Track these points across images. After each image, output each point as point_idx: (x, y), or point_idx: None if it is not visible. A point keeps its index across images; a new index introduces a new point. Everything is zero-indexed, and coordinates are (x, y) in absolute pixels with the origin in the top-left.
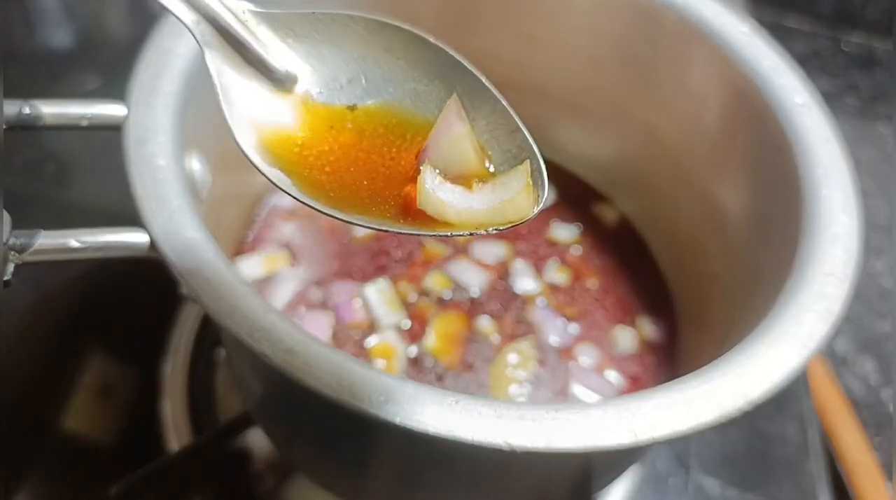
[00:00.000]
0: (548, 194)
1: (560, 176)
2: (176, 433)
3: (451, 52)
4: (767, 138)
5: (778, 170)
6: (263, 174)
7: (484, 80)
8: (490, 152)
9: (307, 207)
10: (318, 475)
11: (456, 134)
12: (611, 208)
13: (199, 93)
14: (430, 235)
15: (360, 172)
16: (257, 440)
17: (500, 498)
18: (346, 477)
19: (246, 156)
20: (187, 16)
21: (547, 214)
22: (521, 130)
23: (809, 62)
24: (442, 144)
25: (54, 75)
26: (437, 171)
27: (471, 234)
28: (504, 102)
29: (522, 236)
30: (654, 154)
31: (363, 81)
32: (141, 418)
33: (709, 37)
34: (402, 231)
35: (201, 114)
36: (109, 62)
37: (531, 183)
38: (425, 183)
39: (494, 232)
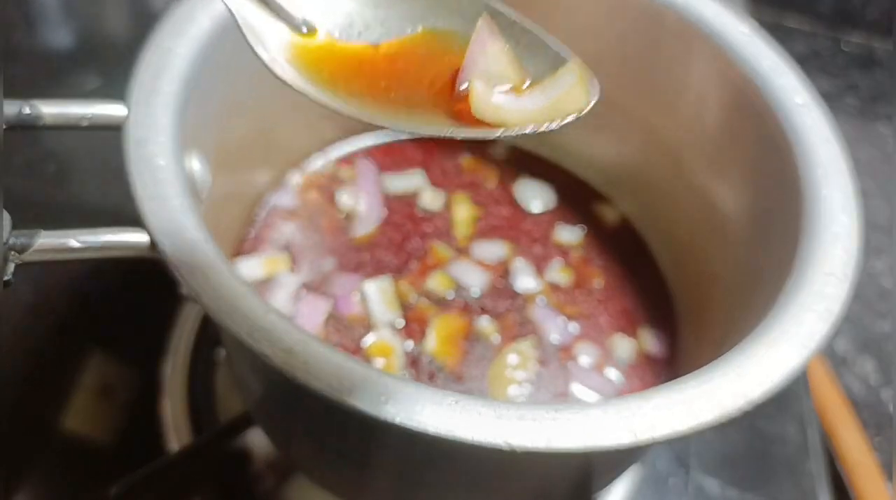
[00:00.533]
0: (548, 195)
1: (560, 176)
2: (176, 433)
3: None
4: (767, 138)
5: (778, 170)
6: (302, 91)
7: (510, 13)
8: (526, 68)
9: (307, 208)
10: (317, 475)
11: (492, 51)
12: (611, 208)
13: (200, 93)
14: (492, 138)
15: (400, 95)
16: (257, 440)
17: (500, 498)
18: (346, 477)
19: (284, 81)
20: None
21: (547, 215)
22: (552, 48)
23: (809, 62)
24: (479, 62)
25: (54, 75)
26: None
27: (532, 132)
28: (532, 27)
29: (523, 236)
30: (654, 154)
31: (380, 26)
32: (141, 418)
33: (709, 37)
34: (463, 135)
35: (201, 114)
36: (109, 62)
37: (583, 76)
38: (477, 89)
39: (556, 126)
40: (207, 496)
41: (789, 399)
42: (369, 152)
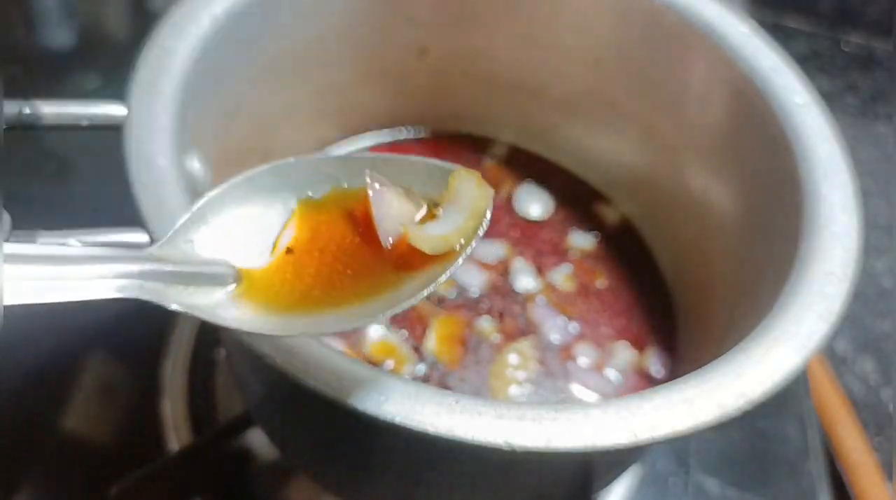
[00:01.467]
0: (548, 196)
1: (560, 176)
2: (176, 433)
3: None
4: (767, 138)
5: (778, 170)
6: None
7: (378, 156)
8: (416, 194)
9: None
10: (317, 475)
11: (390, 197)
12: (611, 208)
13: (199, 93)
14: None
15: (344, 280)
16: (257, 440)
17: (500, 498)
18: (346, 477)
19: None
20: (115, 288)
21: (547, 215)
22: (435, 164)
23: (809, 62)
24: (387, 212)
25: (54, 75)
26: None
27: (471, 250)
28: (401, 157)
29: (523, 236)
30: (654, 154)
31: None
32: (141, 418)
33: (709, 37)
34: (433, 288)
35: (201, 114)
36: (109, 62)
37: (475, 174)
38: (411, 233)
39: (484, 229)
40: (207, 496)
41: (789, 399)
42: (369, 152)
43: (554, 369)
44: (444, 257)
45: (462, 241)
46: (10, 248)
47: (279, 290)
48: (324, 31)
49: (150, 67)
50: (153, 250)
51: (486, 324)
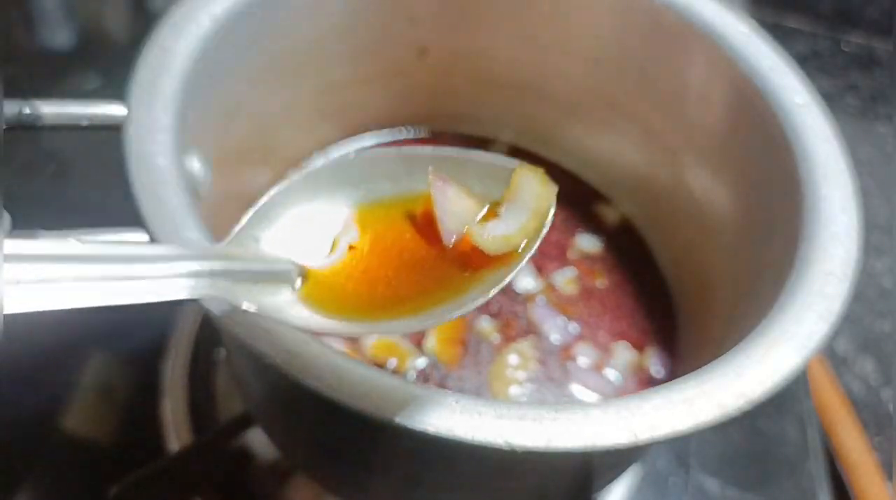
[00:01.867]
0: None
1: (560, 176)
2: (176, 432)
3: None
4: (767, 138)
5: (778, 170)
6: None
7: (441, 152)
8: (477, 193)
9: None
10: (318, 475)
11: (453, 195)
12: (611, 208)
13: (199, 93)
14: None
15: (406, 273)
16: (257, 440)
17: (500, 498)
18: (346, 477)
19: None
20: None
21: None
22: (496, 162)
23: (809, 62)
24: (450, 210)
25: (54, 75)
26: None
27: (535, 248)
28: (463, 153)
29: None
30: (654, 154)
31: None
32: (141, 418)
33: (709, 37)
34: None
35: (201, 114)
36: (109, 62)
37: (537, 171)
38: (474, 233)
39: (548, 226)
40: (207, 496)
41: (789, 399)
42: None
43: (554, 369)
44: (507, 257)
45: (525, 241)
46: (77, 248)
47: (343, 289)
48: (324, 31)
49: (150, 67)
50: (221, 247)
51: (486, 324)
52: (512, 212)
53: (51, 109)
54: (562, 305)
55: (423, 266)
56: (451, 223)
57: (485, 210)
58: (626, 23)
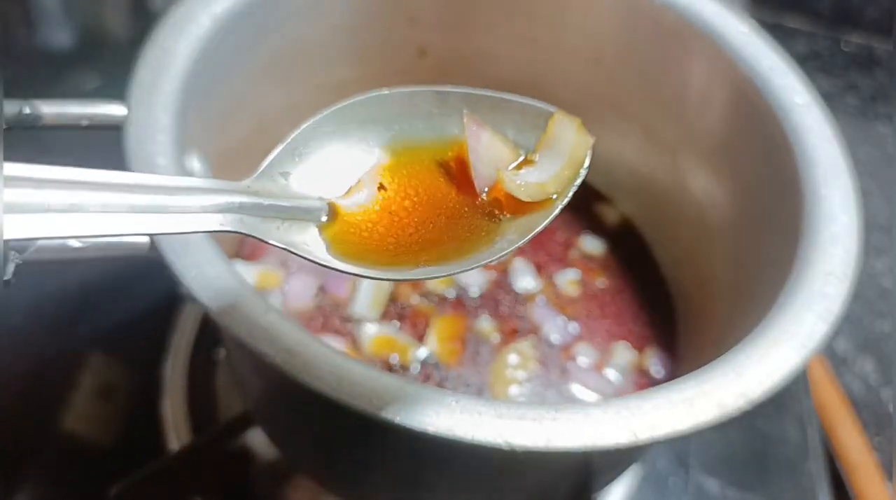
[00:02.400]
0: None
1: None
2: (176, 432)
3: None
4: (767, 138)
5: (778, 170)
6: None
7: (476, 91)
8: (513, 139)
9: None
10: (318, 475)
11: (486, 139)
12: (611, 208)
13: (199, 93)
14: (547, 222)
15: (434, 219)
16: (257, 440)
17: (500, 498)
18: (346, 477)
19: (347, 272)
20: (219, 222)
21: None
22: (535, 105)
23: (809, 62)
24: (483, 155)
25: (54, 75)
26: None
27: (571, 196)
28: (501, 95)
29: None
30: (654, 154)
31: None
32: (141, 418)
33: (709, 37)
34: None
35: (201, 114)
36: (109, 62)
37: (574, 119)
38: (506, 178)
39: (584, 175)
40: (207, 496)
41: (789, 399)
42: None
43: (554, 369)
44: (540, 204)
45: (558, 190)
46: (110, 176)
47: (371, 231)
48: (324, 31)
49: (150, 67)
50: (249, 182)
51: (486, 324)
52: (547, 159)
53: (51, 109)
54: (562, 305)
55: (454, 212)
56: (484, 169)
57: (520, 159)
58: (626, 23)
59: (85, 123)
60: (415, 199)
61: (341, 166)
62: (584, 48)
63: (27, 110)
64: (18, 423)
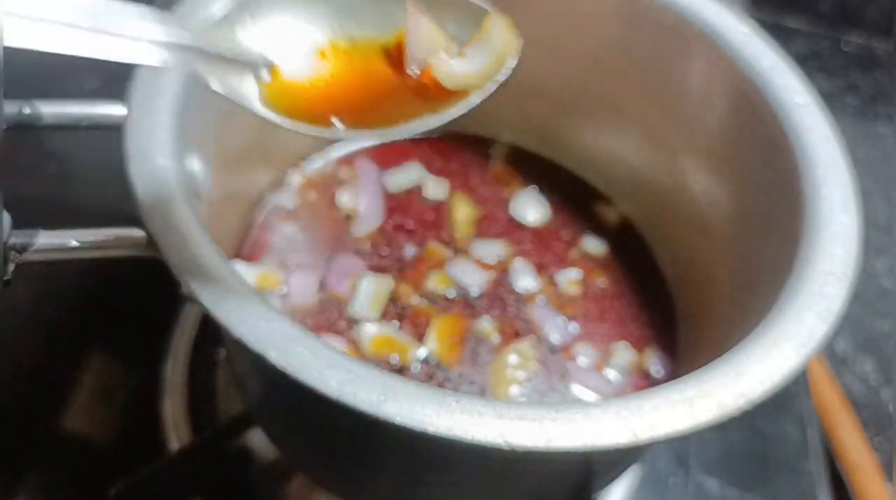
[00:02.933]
0: (548, 196)
1: (560, 176)
2: (176, 432)
3: None
4: (767, 138)
5: (778, 170)
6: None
7: None
8: (449, 31)
9: (307, 208)
10: (318, 475)
11: (426, 27)
12: (611, 208)
13: (199, 93)
14: (466, 109)
15: (366, 102)
16: (257, 440)
17: (500, 498)
18: (346, 477)
19: (274, 121)
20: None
21: (547, 215)
22: (472, 2)
23: (809, 62)
24: (421, 40)
25: (54, 75)
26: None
27: (489, 91)
28: None
29: (523, 235)
30: (654, 154)
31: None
32: (141, 418)
33: (709, 37)
34: (445, 119)
35: (201, 114)
36: (109, 62)
37: (507, 21)
38: (437, 63)
39: (504, 76)
40: (207, 496)
41: (789, 399)
42: (369, 152)
43: (554, 369)
44: (462, 94)
45: (480, 84)
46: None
47: (306, 97)
48: None
49: (150, 67)
50: (199, 25)
51: (486, 324)
52: (476, 54)
53: (51, 109)
54: (562, 304)
55: (386, 89)
56: (418, 52)
57: (455, 53)
58: (626, 23)
59: (85, 123)
60: (351, 74)
61: (289, 37)
62: (584, 48)
63: (27, 110)
64: (18, 423)
